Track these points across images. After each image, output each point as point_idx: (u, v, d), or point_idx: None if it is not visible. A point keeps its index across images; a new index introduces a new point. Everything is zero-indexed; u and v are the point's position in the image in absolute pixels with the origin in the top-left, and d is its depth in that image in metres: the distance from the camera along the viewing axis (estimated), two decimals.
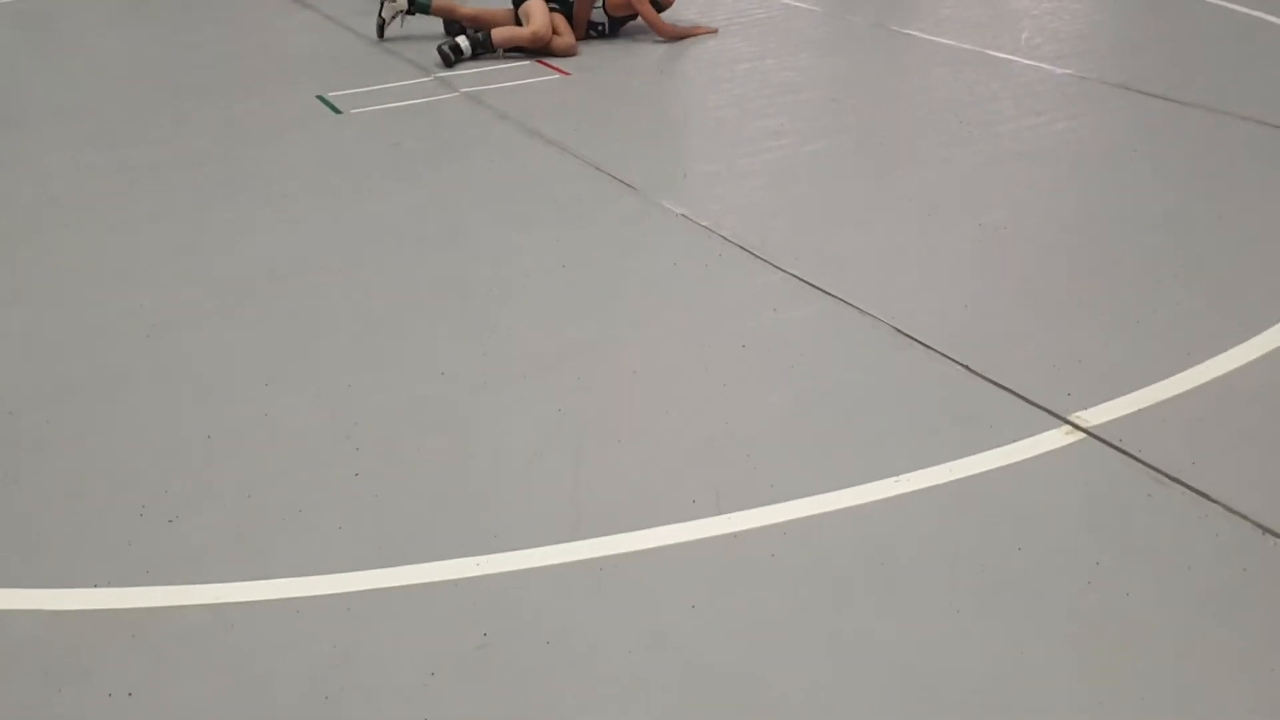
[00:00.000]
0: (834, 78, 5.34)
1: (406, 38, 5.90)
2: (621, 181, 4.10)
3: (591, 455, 2.53)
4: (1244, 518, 2.25)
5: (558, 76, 5.37)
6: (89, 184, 4.28)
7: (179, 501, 2.40)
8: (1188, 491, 2.33)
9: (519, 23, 5.70)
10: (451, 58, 5.49)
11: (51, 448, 2.63)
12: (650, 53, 5.69)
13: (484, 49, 5.57)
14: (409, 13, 5.82)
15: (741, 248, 3.54)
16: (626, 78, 5.43)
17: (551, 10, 5.67)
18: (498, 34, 5.61)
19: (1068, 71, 5.12)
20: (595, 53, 5.69)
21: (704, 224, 3.72)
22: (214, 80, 5.53)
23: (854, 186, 4.07)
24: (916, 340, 2.96)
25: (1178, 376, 2.74)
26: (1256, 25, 5.77)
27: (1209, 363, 2.80)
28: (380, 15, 5.87)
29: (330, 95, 5.07)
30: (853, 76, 5.34)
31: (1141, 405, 2.63)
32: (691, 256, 3.53)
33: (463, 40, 5.55)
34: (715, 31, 5.90)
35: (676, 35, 5.79)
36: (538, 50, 5.62)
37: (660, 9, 5.78)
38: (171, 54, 6.13)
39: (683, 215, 3.80)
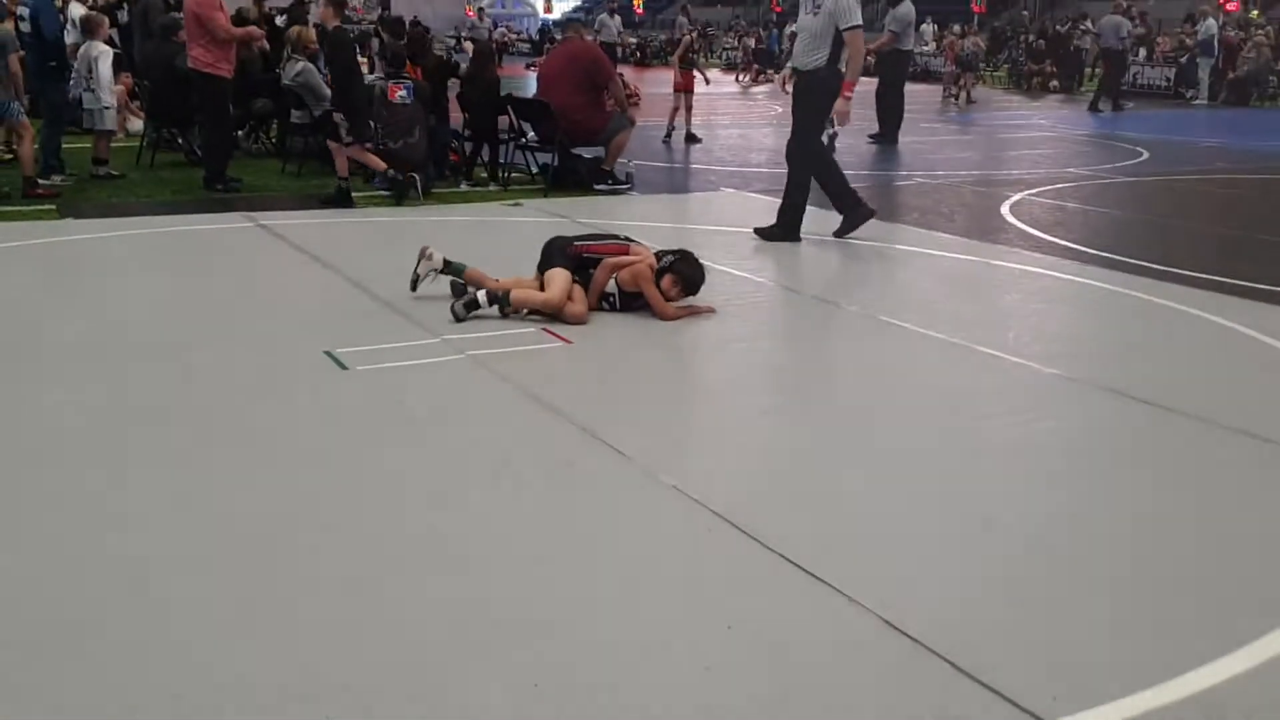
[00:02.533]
0: (826, 363, 5.50)
1: (418, 299, 6.12)
2: (615, 449, 4.17)
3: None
4: None
5: (561, 344, 5.53)
6: (87, 424, 4.35)
7: None
8: None
9: (541, 288, 5.94)
10: (464, 315, 5.71)
11: (11, 696, 2.57)
12: (651, 328, 5.88)
13: (501, 305, 5.79)
14: (442, 272, 6.06)
15: (731, 523, 3.56)
16: (627, 349, 5.60)
17: (574, 282, 5.93)
18: (517, 294, 5.85)
19: (1054, 371, 5.28)
20: (600, 323, 5.88)
21: (694, 496, 3.75)
22: (225, 329, 5.70)
23: (843, 470, 4.12)
24: (903, 633, 2.94)
25: (1164, 685, 2.71)
26: (1243, 340, 5.98)
27: (1195, 673, 2.77)
28: (415, 271, 6.12)
29: (338, 351, 5.21)
30: (844, 363, 5.51)
31: (1128, 714, 2.59)
32: (681, 530, 3.55)
33: (481, 294, 5.79)
34: (713, 311, 6.12)
35: (676, 317, 6.01)
36: (551, 316, 5.82)
37: (666, 298, 6.01)
38: (187, 301, 6.34)
39: (674, 487, 3.84)
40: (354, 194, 9.61)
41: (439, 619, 2.96)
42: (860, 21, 7.97)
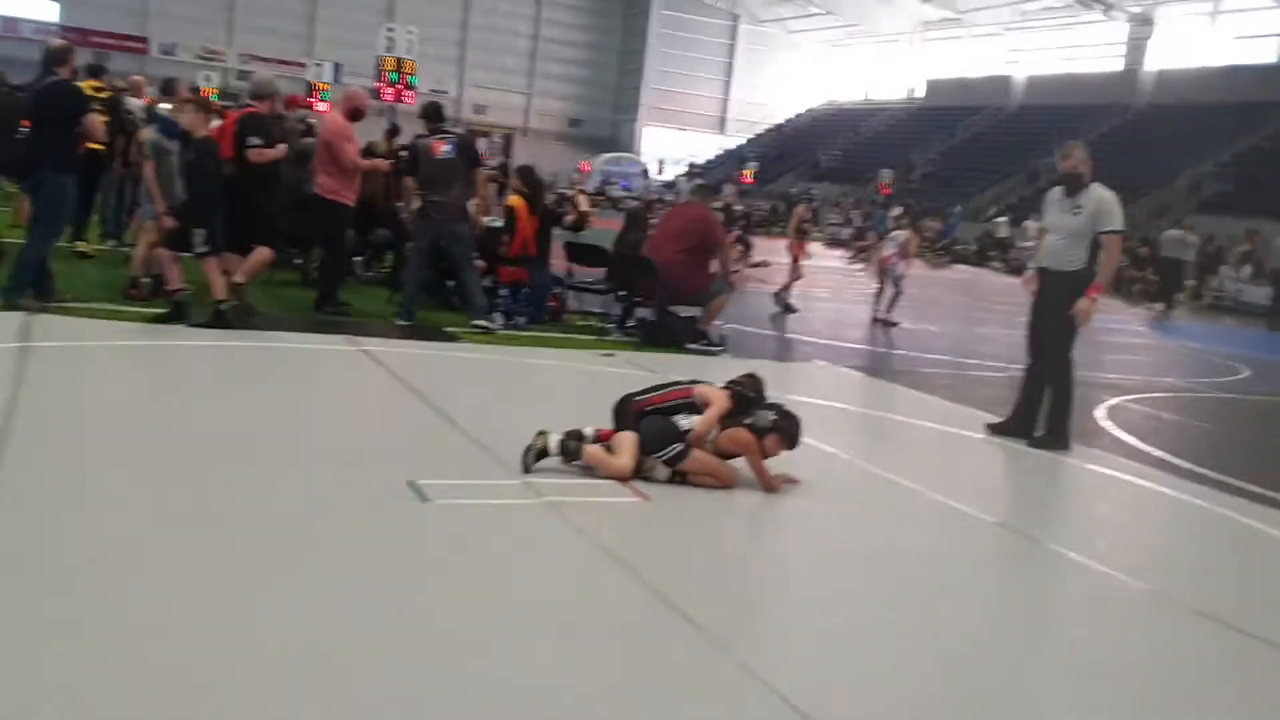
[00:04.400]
0: (905, 549, 5.39)
1: (505, 446, 6.15)
2: (684, 615, 4.10)
3: None
4: None
5: (638, 500, 5.52)
6: (166, 531, 4.42)
7: None
8: None
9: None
10: (532, 464, 5.66)
11: None
12: (730, 494, 5.84)
13: (572, 458, 5.75)
14: (559, 455, 5.78)
15: (796, 708, 3.46)
16: (704, 515, 5.56)
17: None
18: (590, 454, 5.80)
19: (1143, 585, 5.11)
20: (674, 485, 5.84)
21: (761, 676, 3.66)
22: (315, 449, 5.80)
23: (915, 663, 4.00)
24: None
25: None
26: None
27: None
28: (530, 455, 5.74)
29: (421, 482, 5.26)
30: (925, 559, 5.39)
31: None
32: (745, 712, 3.46)
33: (552, 441, 5.72)
34: (799, 483, 6.06)
35: (777, 489, 5.90)
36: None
37: (766, 455, 5.92)
38: (281, 418, 6.49)
39: (743, 664, 3.75)
40: (454, 329, 9.84)
41: None
42: (1123, 227, 7.79)
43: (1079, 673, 4.14)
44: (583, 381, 8.68)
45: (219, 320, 8.53)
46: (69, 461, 5.13)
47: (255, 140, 9.28)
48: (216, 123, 9.73)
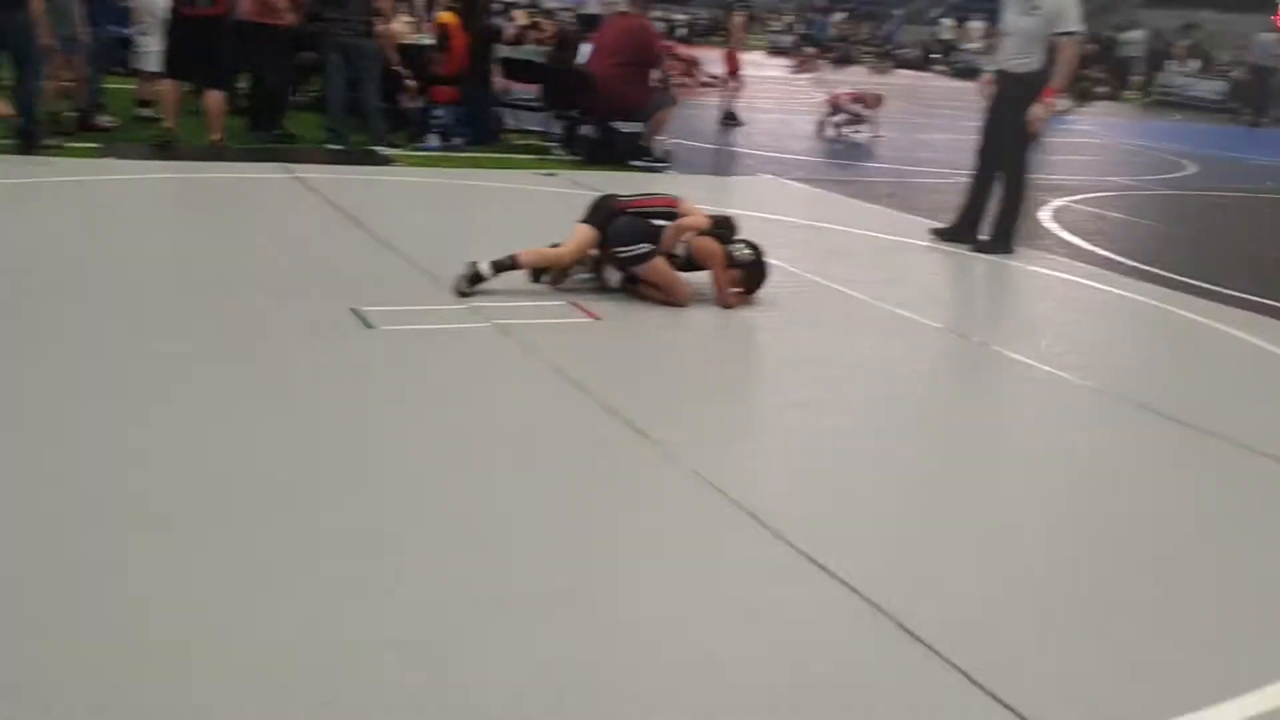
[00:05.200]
0: (855, 358, 5.41)
1: (449, 269, 6.05)
2: (638, 430, 4.11)
3: (571, 712, 2.43)
4: None
5: (589, 320, 5.48)
6: (107, 365, 4.33)
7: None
8: None
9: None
10: (468, 289, 5.55)
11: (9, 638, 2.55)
12: (681, 312, 5.81)
13: (508, 269, 5.64)
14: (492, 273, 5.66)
15: (750, 514, 3.50)
16: (656, 331, 5.54)
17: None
18: (526, 255, 5.74)
19: (1086, 384, 5.19)
20: (627, 302, 5.81)
21: (714, 484, 3.69)
22: (253, 279, 5.66)
23: (869, 467, 4.06)
24: (918, 638, 2.88)
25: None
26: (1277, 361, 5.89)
27: (1206, 712, 2.70)
28: (466, 283, 5.62)
29: (364, 309, 5.17)
30: (872, 358, 5.42)
31: None
32: (696, 516, 3.50)
33: (484, 265, 5.61)
34: (751, 301, 6.03)
35: (733, 306, 5.90)
36: (563, 272, 5.83)
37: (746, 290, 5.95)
38: (215, 248, 6.32)
39: (694, 472, 3.78)
40: (390, 153, 9.59)
41: (439, 591, 2.92)
42: (1080, 27, 7.59)
43: (1020, 461, 4.23)
44: (524, 202, 8.52)
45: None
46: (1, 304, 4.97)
47: None
48: None
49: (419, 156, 9.83)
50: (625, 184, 8.68)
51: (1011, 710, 2.61)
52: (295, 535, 3.14)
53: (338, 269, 5.99)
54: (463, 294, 5.57)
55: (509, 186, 8.99)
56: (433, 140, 10.39)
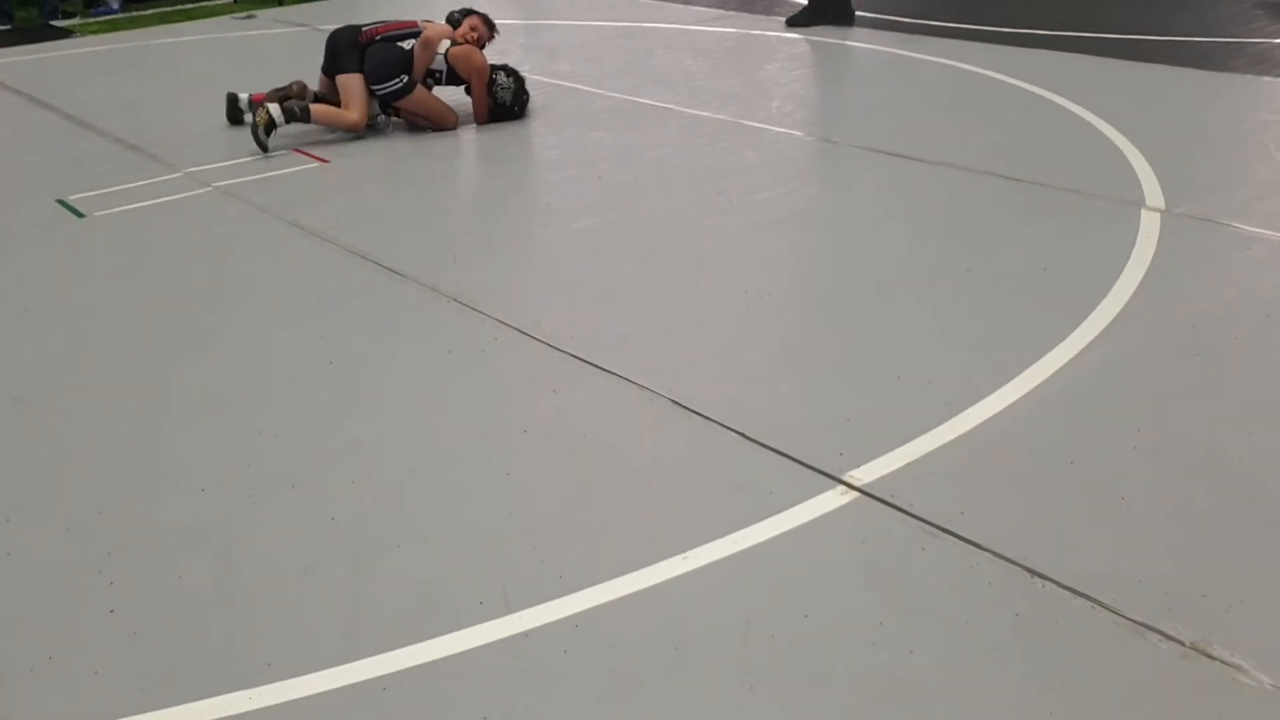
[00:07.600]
0: (596, 153, 5.39)
1: (155, 139, 5.65)
2: (389, 269, 4.02)
3: (369, 565, 2.43)
4: (1012, 562, 2.33)
5: (316, 165, 5.24)
6: None
7: None
8: (958, 542, 2.41)
9: (334, 89, 5.59)
10: (267, 140, 5.28)
11: None
12: (407, 135, 5.63)
13: (301, 120, 5.36)
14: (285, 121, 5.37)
15: (517, 329, 3.50)
16: (387, 162, 5.36)
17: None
18: (318, 111, 5.45)
19: (817, 137, 5.34)
20: (351, 140, 5.57)
21: (476, 308, 3.67)
22: None
23: (623, 262, 4.09)
24: (694, 411, 2.98)
25: (940, 428, 2.84)
26: (981, 81, 6.17)
27: (967, 412, 2.92)
28: (258, 131, 5.34)
29: (72, 199, 4.79)
30: (614, 152, 5.41)
31: (909, 459, 2.72)
32: (466, 342, 3.48)
33: (275, 110, 5.30)
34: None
35: (486, 123, 5.80)
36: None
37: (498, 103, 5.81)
38: None
39: (454, 300, 3.74)
40: (73, 22, 8.75)
41: (218, 468, 2.83)
42: None
43: (763, 225, 4.35)
44: (229, 50, 7.96)
45: None
46: None
47: None
48: None
49: (100, 22, 9.01)
50: (335, 13, 8.22)
51: (787, 457, 2.74)
52: (43, 448, 2.97)
53: (33, 160, 5.51)
54: (264, 147, 5.31)
55: (209, 37, 8.37)
56: (113, 3, 9.52)
